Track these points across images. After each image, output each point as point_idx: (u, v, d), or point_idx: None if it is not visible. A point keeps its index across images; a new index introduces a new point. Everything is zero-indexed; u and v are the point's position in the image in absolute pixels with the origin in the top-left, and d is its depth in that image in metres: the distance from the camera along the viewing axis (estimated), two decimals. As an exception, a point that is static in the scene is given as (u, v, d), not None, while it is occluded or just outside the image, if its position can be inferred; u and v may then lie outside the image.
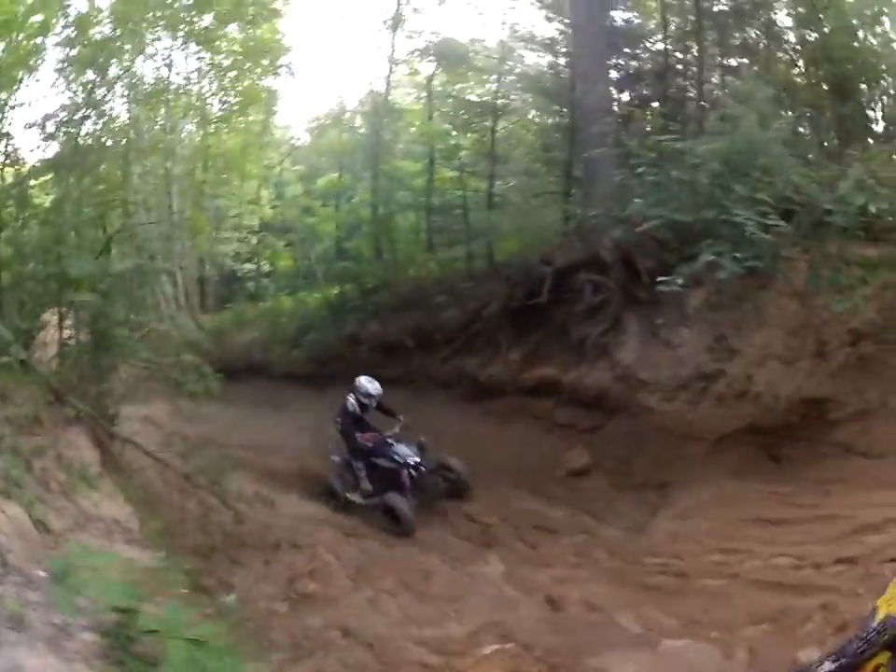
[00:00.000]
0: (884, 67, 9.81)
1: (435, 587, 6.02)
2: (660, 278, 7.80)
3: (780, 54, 10.73)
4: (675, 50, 10.95)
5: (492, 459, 8.76)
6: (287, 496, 7.90)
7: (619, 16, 11.01)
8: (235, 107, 14.15)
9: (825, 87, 10.11)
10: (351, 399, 8.28)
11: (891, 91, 10.09)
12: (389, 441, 8.06)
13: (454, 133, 12.24)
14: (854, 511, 6.26)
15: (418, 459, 7.87)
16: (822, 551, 5.80)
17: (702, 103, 10.04)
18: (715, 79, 10.63)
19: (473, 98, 12.37)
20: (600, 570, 6.47)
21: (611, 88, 10.64)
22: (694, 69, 10.60)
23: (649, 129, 9.89)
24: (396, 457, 7.87)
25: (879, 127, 10.13)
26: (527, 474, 8.63)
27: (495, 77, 12.21)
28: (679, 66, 10.98)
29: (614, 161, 9.23)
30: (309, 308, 13.44)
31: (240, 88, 14.03)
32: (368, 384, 8.39)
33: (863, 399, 7.75)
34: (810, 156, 9.01)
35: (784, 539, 6.20)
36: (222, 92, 13.92)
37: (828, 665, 2.13)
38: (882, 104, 10.19)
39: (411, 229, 12.83)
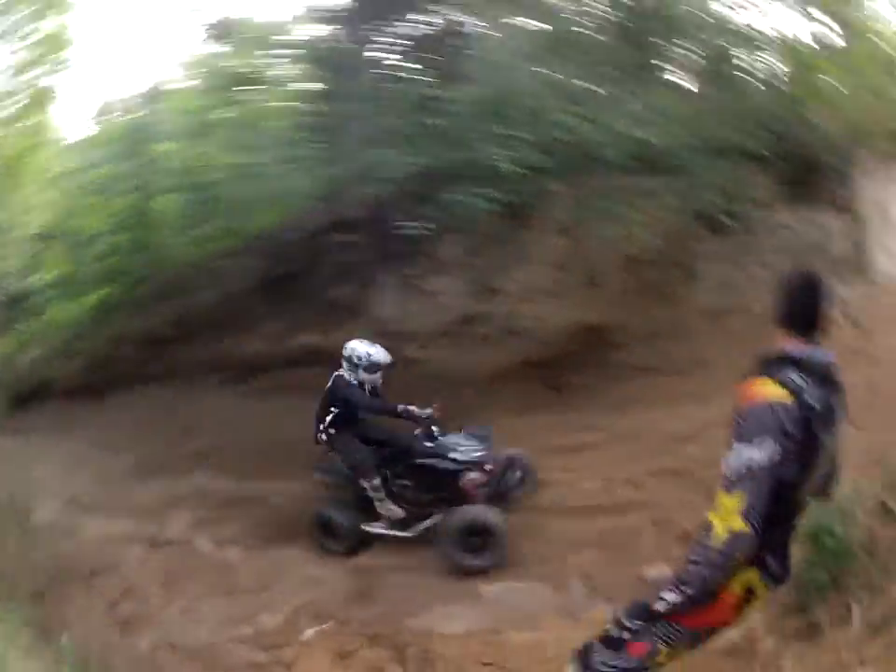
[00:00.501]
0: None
1: (242, 581, 5.44)
2: (407, 224, 7.19)
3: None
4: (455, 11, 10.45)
5: (263, 437, 7.89)
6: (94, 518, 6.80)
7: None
8: (15, 108, 12.61)
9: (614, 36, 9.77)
10: (347, 377, 5.67)
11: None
12: (435, 430, 5.58)
13: (216, 108, 11.24)
14: (659, 425, 6.38)
15: (485, 453, 5.47)
16: (634, 468, 5.83)
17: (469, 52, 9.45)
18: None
19: (241, 71, 11.42)
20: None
21: (386, 52, 9.98)
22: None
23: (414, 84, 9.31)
24: (457, 454, 5.43)
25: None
26: (298, 445, 7.60)
27: (265, 50, 11.56)
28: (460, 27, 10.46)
29: (371, 121, 8.50)
30: (81, 313, 12.33)
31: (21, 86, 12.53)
32: (370, 348, 5.74)
33: (652, 322, 7.74)
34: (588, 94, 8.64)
35: (586, 464, 6.12)
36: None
37: (671, 597, 2.07)
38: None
39: (170, 213, 11.77)
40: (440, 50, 9.37)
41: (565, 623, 4.08)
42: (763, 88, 9.78)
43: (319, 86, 10.01)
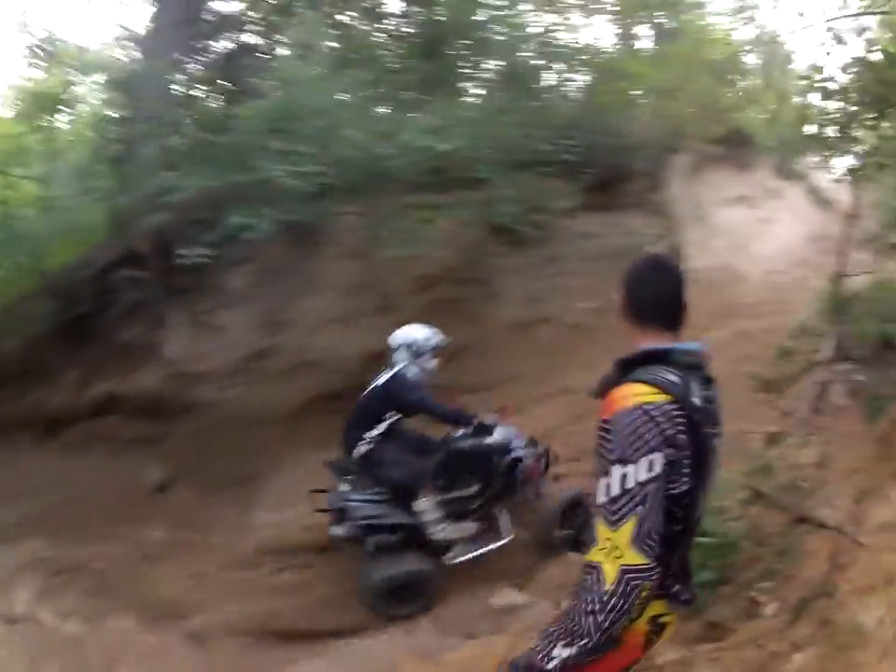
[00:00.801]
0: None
1: (91, 658, 4.83)
2: (193, 254, 6.83)
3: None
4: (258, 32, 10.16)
5: (72, 495, 7.35)
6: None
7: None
8: None
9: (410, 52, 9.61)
10: (410, 373, 4.91)
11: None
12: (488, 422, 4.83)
13: (25, 135, 10.54)
14: None
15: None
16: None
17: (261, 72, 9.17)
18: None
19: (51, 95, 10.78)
20: (220, 586, 5.50)
21: (182, 74, 9.57)
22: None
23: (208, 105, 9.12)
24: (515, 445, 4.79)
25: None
26: (112, 502, 7.30)
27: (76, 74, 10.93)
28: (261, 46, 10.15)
29: (159, 144, 8.08)
30: None
31: None
32: (423, 330, 5.11)
33: (453, 341, 7.33)
34: (382, 111, 8.57)
35: None
36: None
37: (565, 652, 1.70)
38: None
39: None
40: (233, 71, 9.06)
41: (425, 666, 3.93)
42: (567, 97, 9.87)
43: (118, 112, 9.50)
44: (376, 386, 4.91)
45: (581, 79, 10.04)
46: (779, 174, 11.67)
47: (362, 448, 4.76)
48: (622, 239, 8.55)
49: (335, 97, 7.61)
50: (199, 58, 9.58)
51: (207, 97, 9.12)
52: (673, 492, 1.71)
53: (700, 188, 10.19)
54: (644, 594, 1.65)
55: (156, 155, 7.65)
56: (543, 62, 9.62)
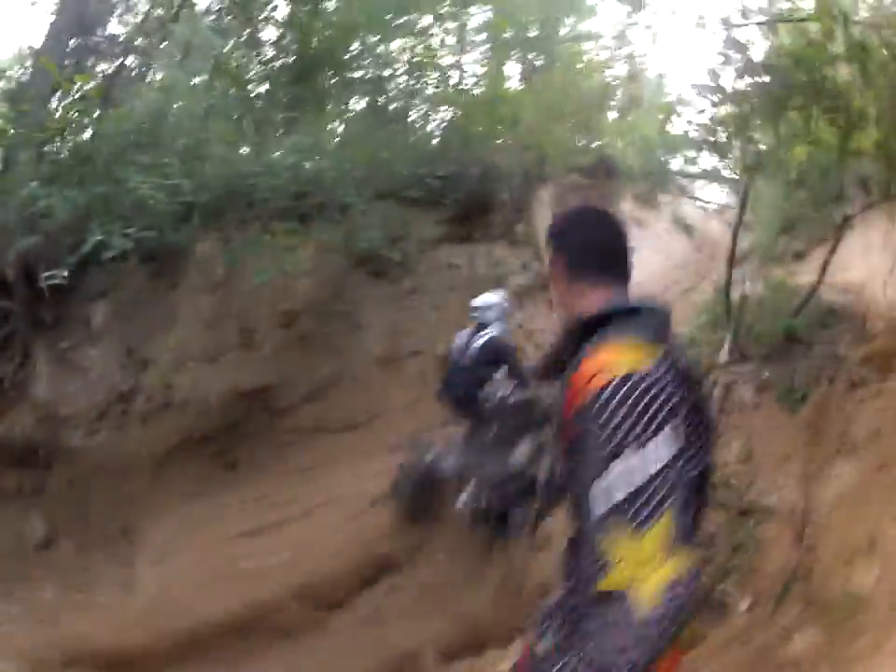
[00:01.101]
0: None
1: None
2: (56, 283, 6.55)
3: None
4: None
5: None
6: None
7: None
8: None
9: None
10: (502, 334, 5.49)
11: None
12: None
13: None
14: (351, 487, 6.01)
15: None
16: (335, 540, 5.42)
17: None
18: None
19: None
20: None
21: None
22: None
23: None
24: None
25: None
26: None
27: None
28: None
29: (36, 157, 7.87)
30: None
31: None
32: (494, 295, 5.79)
33: (318, 378, 7.53)
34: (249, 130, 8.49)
35: (283, 545, 5.63)
36: None
37: None
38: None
39: None
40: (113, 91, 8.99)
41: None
42: (433, 128, 10.21)
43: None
44: (474, 348, 5.42)
45: (447, 111, 10.39)
46: (644, 203, 12.42)
47: (501, 398, 5.24)
48: (487, 270, 8.91)
49: (204, 110, 7.72)
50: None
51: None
52: (687, 477, 1.33)
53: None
54: (690, 607, 1.27)
55: (29, 170, 7.44)
56: (410, 96, 9.97)
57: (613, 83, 13.74)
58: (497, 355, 5.36)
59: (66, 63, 8.99)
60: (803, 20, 4.71)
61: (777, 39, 5.24)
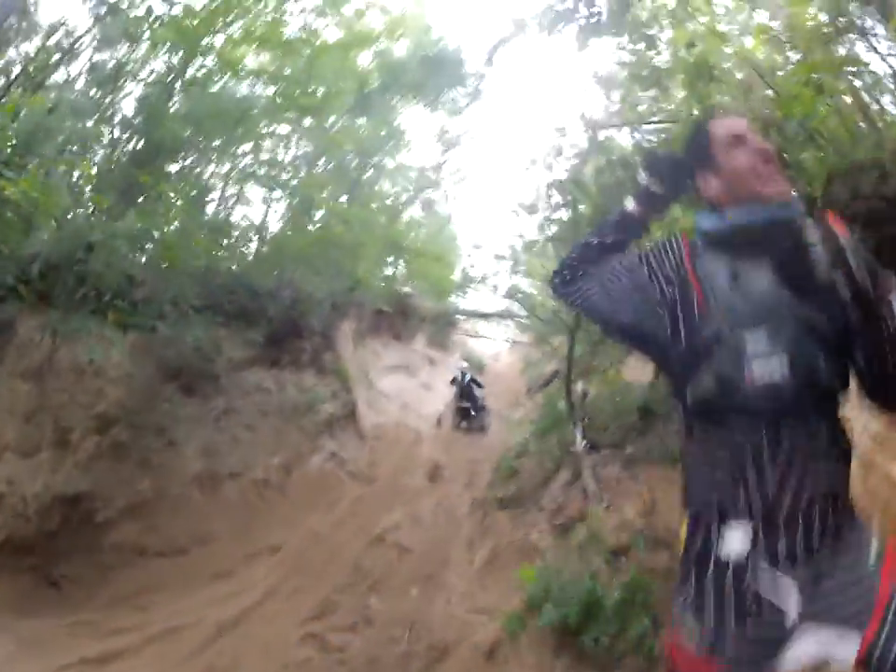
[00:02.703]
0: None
1: None
2: None
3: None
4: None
5: None
6: None
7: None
8: None
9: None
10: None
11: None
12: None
13: None
14: (197, 613, 5.36)
15: None
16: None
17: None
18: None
19: None
20: None
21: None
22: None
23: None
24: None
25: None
26: None
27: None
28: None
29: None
30: None
31: None
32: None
33: (135, 491, 7.00)
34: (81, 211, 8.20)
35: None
36: None
37: None
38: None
39: None
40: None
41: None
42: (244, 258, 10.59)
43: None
44: (467, 379, 12.00)
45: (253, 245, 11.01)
46: (434, 344, 14.23)
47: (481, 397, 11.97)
48: (297, 395, 9.19)
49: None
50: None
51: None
52: None
53: (365, 354, 11.48)
54: None
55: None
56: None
57: (414, 223, 14.99)
58: (475, 382, 11.89)
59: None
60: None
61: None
